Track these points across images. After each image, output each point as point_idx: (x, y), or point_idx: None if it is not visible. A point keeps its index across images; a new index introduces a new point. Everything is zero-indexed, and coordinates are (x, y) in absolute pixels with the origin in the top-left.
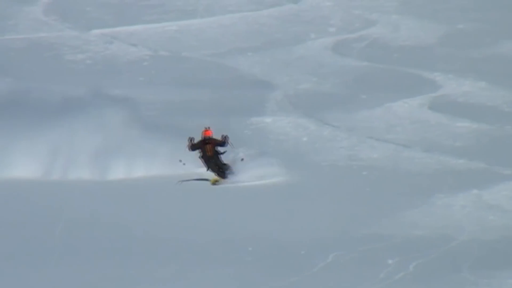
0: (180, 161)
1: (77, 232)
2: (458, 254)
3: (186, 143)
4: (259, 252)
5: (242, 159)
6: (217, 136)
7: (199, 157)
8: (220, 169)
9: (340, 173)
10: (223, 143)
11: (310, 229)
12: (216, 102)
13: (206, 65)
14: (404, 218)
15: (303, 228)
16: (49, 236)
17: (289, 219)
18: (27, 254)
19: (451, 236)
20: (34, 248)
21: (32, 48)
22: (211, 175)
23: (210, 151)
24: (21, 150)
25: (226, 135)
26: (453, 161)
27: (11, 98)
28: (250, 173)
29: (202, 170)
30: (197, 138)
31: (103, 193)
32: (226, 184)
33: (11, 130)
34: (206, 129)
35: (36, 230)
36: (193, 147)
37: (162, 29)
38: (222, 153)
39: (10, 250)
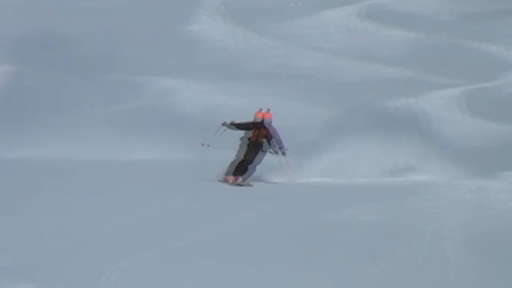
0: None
1: None
2: None
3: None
4: None
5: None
6: None
7: (241, 138)
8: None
9: (269, 82)
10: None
11: None
12: (152, 13)
13: None
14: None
15: None
16: None
17: None
18: None
19: None
20: None
21: None
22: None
23: (256, 137)
24: None
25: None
26: (384, 69)
27: None
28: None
29: None
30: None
31: None
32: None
33: None
34: (267, 111)
35: None
36: (237, 126)
37: None
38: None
39: None
